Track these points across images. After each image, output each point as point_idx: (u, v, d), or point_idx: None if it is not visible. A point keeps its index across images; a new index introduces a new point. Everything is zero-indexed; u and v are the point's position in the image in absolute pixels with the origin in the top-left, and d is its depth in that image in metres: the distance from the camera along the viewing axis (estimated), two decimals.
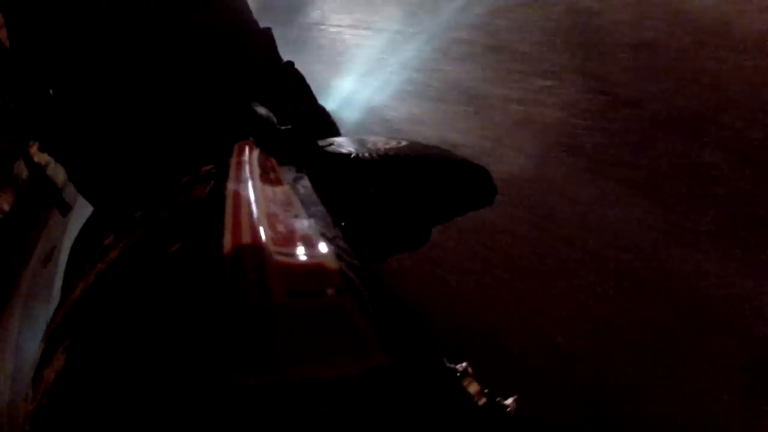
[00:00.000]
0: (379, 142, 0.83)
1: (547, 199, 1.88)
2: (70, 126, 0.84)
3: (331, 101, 2.77)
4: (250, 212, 0.52)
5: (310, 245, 0.49)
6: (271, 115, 0.91)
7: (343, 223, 0.58)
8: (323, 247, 0.49)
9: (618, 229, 1.71)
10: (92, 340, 0.45)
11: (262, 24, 1.08)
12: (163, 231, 0.58)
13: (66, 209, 1.09)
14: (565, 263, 1.69)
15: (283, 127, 0.91)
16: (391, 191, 0.78)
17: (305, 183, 0.67)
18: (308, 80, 1.14)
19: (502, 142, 2.16)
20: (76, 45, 0.80)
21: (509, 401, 0.54)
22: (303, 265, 0.46)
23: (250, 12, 1.03)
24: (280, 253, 0.47)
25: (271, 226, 0.50)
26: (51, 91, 0.81)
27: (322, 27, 3.67)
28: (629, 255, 1.63)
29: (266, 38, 1.05)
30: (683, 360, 1.40)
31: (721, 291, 1.48)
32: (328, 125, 1.14)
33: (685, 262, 1.57)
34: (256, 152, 0.69)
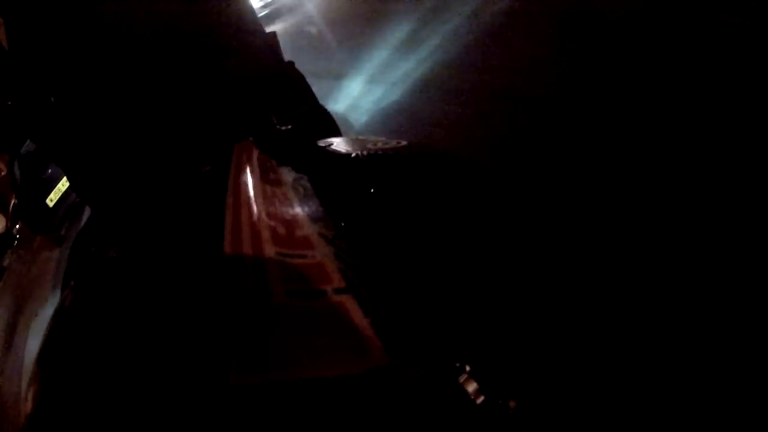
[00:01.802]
0: (379, 142, 0.83)
1: None
2: (71, 130, 0.84)
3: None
4: (250, 213, 0.52)
5: (310, 245, 0.49)
6: (271, 115, 0.91)
7: (343, 224, 0.58)
8: (323, 247, 0.49)
9: None
10: (90, 341, 0.46)
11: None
12: (163, 232, 0.58)
13: (51, 229, 1.06)
14: None
15: (283, 127, 0.91)
16: (391, 191, 0.78)
17: (305, 183, 0.67)
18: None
19: None
20: (76, 49, 0.80)
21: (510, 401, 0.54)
22: (303, 264, 0.47)
23: (255, 14, 1.02)
24: (280, 254, 0.47)
25: (271, 227, 0.50)
26: (52, 99, 0.81)
27: None
28: None
29: (269, 41, 1.04)
30: None
31: None
32: (328, 125, 1.14)
33: None
34: (256, 152, 0.69)
